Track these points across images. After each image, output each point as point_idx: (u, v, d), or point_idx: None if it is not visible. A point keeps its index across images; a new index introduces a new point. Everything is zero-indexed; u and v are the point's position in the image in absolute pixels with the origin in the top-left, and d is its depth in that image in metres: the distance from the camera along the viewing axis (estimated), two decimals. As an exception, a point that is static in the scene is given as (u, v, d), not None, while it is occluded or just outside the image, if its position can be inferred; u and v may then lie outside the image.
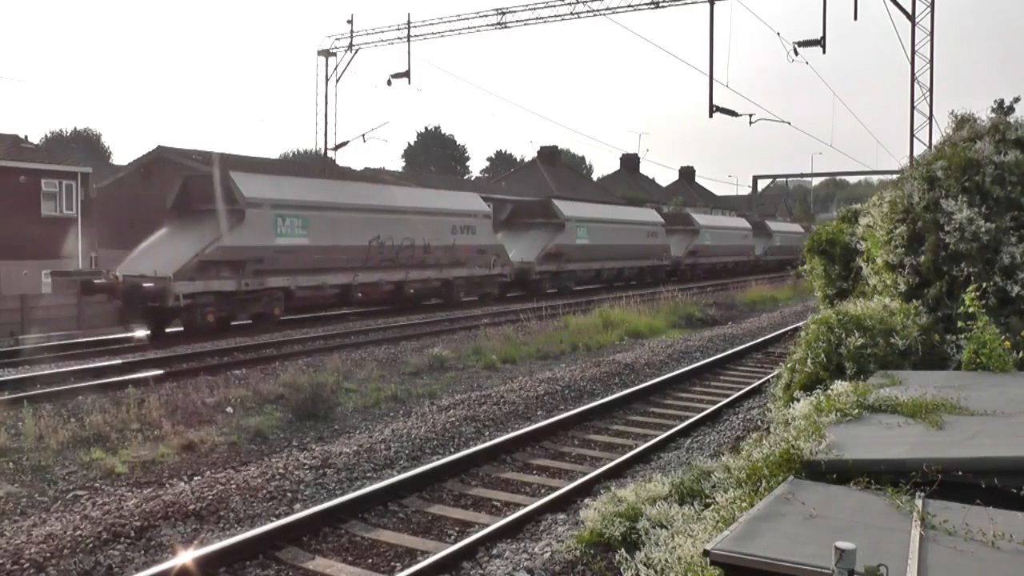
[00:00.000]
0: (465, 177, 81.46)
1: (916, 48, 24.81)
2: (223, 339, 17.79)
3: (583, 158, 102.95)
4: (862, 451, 4.15)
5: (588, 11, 27.47)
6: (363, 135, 50.45)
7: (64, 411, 10.58)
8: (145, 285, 17.71)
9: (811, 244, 11.07)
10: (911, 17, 24.77)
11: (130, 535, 6.42)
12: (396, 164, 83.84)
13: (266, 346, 16.84)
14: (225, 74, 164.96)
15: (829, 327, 7.11)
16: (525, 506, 7.12)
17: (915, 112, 24.81)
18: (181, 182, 20.88)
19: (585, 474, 8.13)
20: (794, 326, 17.14)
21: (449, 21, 29.93)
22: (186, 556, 5.82)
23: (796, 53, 24.02)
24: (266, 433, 9.87)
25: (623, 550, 5.40)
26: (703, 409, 11.30)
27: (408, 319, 22.19)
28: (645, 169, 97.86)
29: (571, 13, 27.87)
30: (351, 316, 23.06)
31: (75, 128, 78.42)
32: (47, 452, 8.88)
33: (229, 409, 10.97)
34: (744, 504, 3.91)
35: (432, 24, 30.17)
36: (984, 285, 7.23)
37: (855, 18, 23.78)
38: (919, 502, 3.59)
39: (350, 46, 31.72)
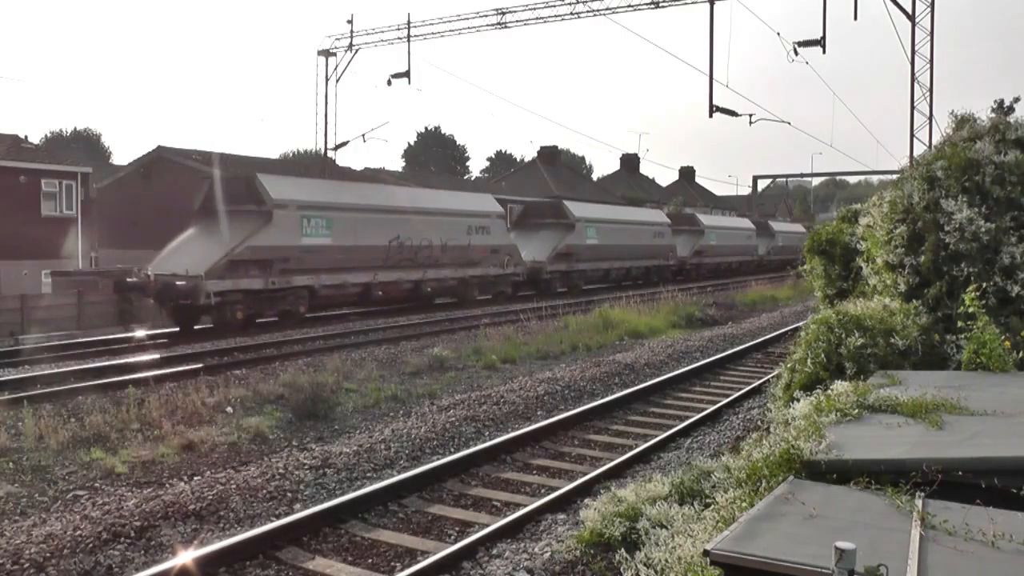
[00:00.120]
0: (465, 177, 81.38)
1: (916, 48, 24.82)
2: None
3: (583, 158, 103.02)
4: (862, 451, 4.14)
5: (588, 11, 27.47)
6: (363, 135, 50.31)
7: (64, 411, 10.58)
8: (178, 283, 18.38)
9: (811, 244, 11.07)
10: (911, 17, 24.77)
11: (130, 535, 6.42)
12: (396, 164, 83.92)
13: (266, 346, 16.87)
14: (225, 74, 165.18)
15: (829, 327, 7.11)
16: (525, 506, 7.12)
17: (915, 112, 24.83)
18: (208, 184, 21.22)
19: (585, 474, 8.13)
20: (794, 326, 17.15)
21: (449, 21, 29.94)
22: (186, 556, 5.82)
23: (796, 53, 24.04)
24: (266, 433, 9.88)
25: (623, 550, 5.40)
26: (703, 409, 11.30)
27: (408, 319, 22.22)
28: (645, 169, 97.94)
29: (571, 13, 27.87)
30: (351, 316, 23.11)
31: (75, 128, 78.52)
32: (47, 452, 8.89)
33: (229, 409, 10.97)
34: (744, 504, 3.91)
35: (432, 24, 30.20)
36: (984, 285, 7.23)
37: (855, 18, 23.80)
38: (919, 502, 3.59)
39: (350, 46, 31.71)
